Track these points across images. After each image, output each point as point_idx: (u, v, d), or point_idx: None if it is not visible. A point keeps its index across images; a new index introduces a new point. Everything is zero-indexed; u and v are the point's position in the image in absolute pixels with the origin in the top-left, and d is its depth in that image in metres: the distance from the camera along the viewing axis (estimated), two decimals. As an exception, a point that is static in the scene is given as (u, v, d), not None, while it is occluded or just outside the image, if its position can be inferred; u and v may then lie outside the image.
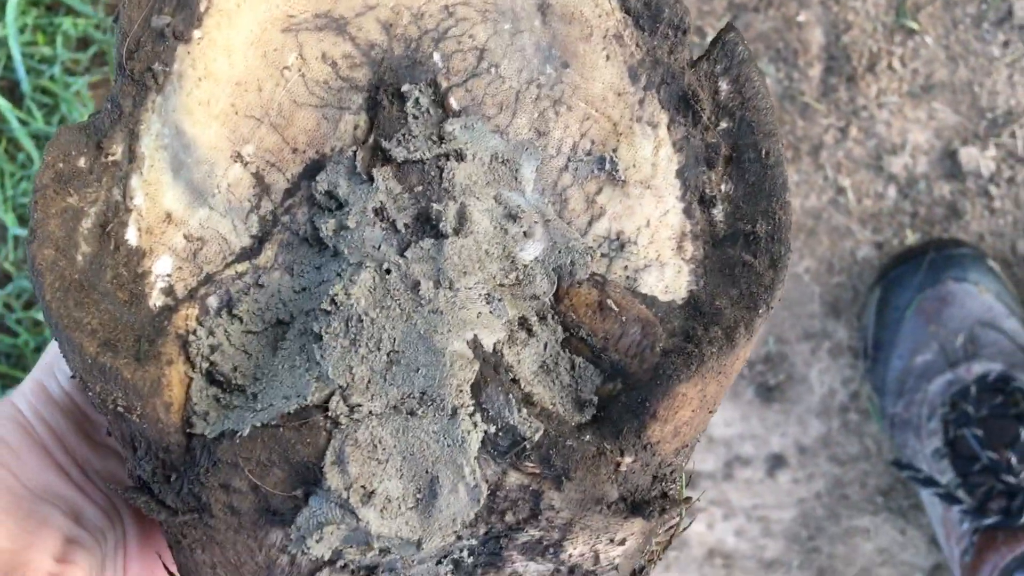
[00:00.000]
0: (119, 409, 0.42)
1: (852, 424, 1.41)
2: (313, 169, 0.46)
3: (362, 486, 0.42)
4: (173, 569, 0.47)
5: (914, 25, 1.30)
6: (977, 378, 1.26)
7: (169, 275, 0.45)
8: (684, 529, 0.48)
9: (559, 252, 0.45)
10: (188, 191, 0.45)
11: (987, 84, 1.30)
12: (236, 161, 0.46)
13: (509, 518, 0.43)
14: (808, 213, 1.34)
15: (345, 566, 0.44)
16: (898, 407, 1.32)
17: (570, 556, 0.45)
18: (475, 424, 0.43)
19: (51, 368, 0.53)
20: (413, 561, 0.44)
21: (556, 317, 0.45)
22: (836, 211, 1.35)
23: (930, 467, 1.29)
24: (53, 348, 0.53)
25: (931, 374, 1.29)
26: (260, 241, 0.46)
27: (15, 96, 1.36)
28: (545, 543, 0.44)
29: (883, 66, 1.32)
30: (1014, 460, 1.22)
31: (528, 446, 0.43)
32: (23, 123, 1.35)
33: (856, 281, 1.37)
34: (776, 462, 1.44)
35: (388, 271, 0.43)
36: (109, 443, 0.53)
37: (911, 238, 1.33)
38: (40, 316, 1.37)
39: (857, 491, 1.43)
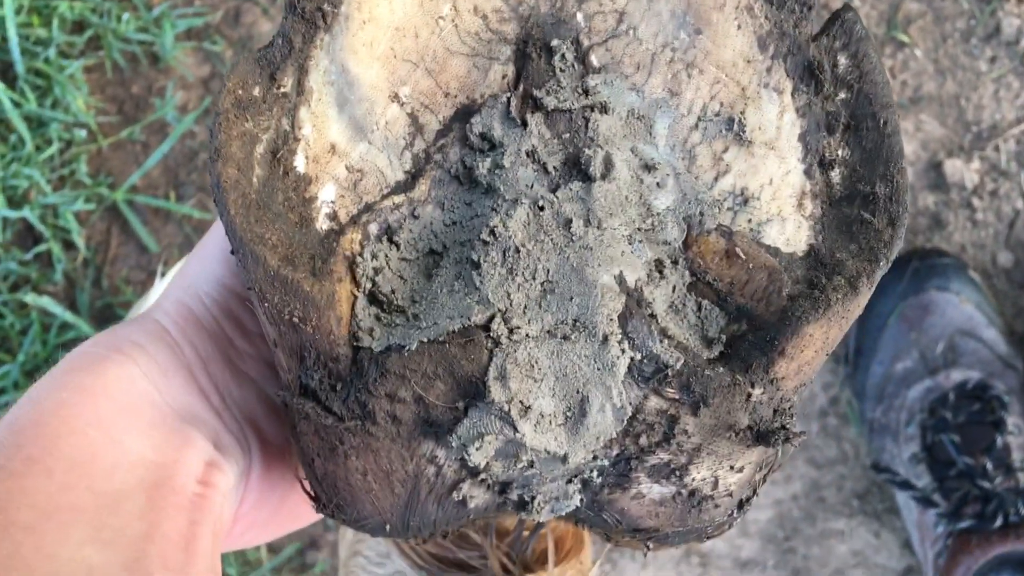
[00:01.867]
0: (295, 320, 0.45)
1: (831, 428, 1.44)
2: (464, 113, 0.49)
3: (520, 401, 0.45)
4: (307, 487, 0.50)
5: (905, 38, 1.35)
6: (956, 385, 1.29)
7: (333, 202, 0.48)
8: (777, 469, 0.51)
9: (689, 203, 0.48)
10: (350, 126, 0.48)
11: (973, 98, 1.35)
12: (394, 101, 0.48)
13: (643, 441, 0.47)
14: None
15: (483, 480, 0.48)
16: (877, 412, 1.35)
17: (693, 480, 0.48)
18: (623, 351, 0.46)
19: (195, 290, 0.53)
20: (546, 479, 0.47)
21: (684, 262, 0.48)
22: (825, 219, 1.38)
23: (907, 472, 1.32)
24: (191, 270, 0.54)
25: (911, 380, 1.32)
26: (414, 176, 0.48)
27: (8, 77, 1.36)
28: (672, 466, 0.47)
29: (875, 77, 1.35)
30: (990, 466, 1.25)
31: (670, 373, 0.46)
32: (16, 104, 1.35)
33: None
34: (755, 463, 1.46)
35: (542, 208, 0.46)
36: (249, 372, 0.54)
37: (895, 247, 1.36)
38: (26, 299, 1.36)
39: (834, 494, 1.46)
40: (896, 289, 1.33)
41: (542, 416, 0.45)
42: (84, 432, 0.45)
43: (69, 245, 1.41)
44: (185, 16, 1.38)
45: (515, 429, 0.45)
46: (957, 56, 1.35)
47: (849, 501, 1.46)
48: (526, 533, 0.59)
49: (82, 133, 1.39)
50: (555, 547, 0.60)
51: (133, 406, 0.48)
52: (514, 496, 0.48)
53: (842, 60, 0.49)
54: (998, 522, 1.24)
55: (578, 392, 0.45)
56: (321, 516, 0.58)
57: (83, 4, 1.36)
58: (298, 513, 0.57)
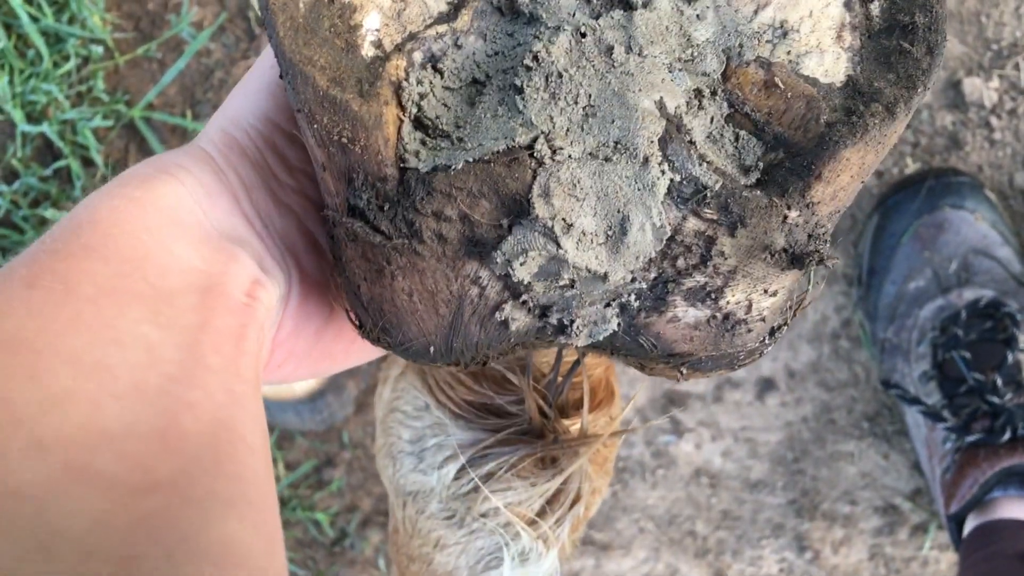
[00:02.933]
0: (343, 140, 0.46)
1: (842, 351, 1.45)
2: None
3: (563, 218, 0.46)
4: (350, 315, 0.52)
5: (924, -44, 1.33)
6: (968, 304, 1.30)
7: (377, 30, 0.48)
8: (809, 303, 0.52)
9: (728, 35, 0.49)
10: None
11: (994, 15, 1.34)
12: None
13: (680, 263, 0.48)
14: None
15: (525, 302, 0.49)
16: (889, 332, 1.36)
17: (727, 303, 0.49)
18: (663, 172, 0.47)
19: (239, 121, 0.54)
20: (585, 301, 0.49)
21: (723, 94, 0.49)
22: (841, 138, 1.38)
23: (917, 390, 1.34)
24: (236, 103, 0.55)
25: (923, 299, 1.33)
26: (456, 7, 0.49)
27: (27, -8, 1.36)
28: (708, 289, 0.49)
29: (893, -4, 1.35)
30: (1000, 382, 1.27)
31: (709, 194, 0.47)
32: (34, 19, 1.35)
33: (854, 209, 1.40)
34: (766, 386, 1.47)
35: (584, 34, 0.47)
36: (291, 205, 0.55)
37: (911, 167, 1.37)
38: (46, 214, 1.37)
39: (844, 416, 1.47)
40: (911, 207, 1.33)
41: (584, 234, 0.46)
42: (137, 235, 0.47)
43: (88, 162, 1.42)
44: (202, -69, 1.38)
45: (558, 245, 0.46)
46: (979, -29, 1.34)
47: (859, 423, 1.48)
48: (560, 379, 0.60)
49: (99, 49, 1.39)
50: (589, 397, 0.62)
51: (182, 220, 0.49)
52: (554, 320, 0.49)
53: None
54: (1006, 436, 1.25)
55: (619, 211, 0.46)
56: (356, 364, 0.60)
57: (100, -82, 1.36)
58: (332, 351, 0.58)
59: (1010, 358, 1.28)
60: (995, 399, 1.26)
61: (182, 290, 0.46)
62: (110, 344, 0.43)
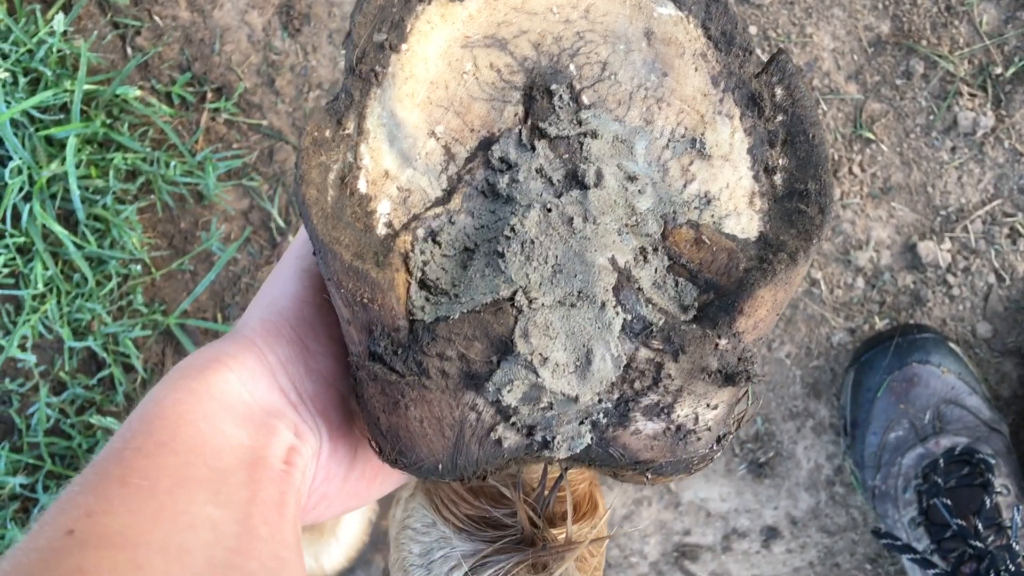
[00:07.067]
0: (364, 300, 0.58)
1: (838, 496, 1.53)
2: (485, 143, 0.63)
3: (540, 353, 0.58)
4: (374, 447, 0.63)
5: (870, 135, 1.48)
6: (945, 451, 1.39)
7: (388, 214, 0.61)
8: (750, 417, 0.63)
9: (664, 204, 0.62)
10: (399, 156, 0.62)
11: (939, 185, 1.48)
12: (431, 136, 0.62)
13: (637, 385, 0.59)
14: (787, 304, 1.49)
15: (514, 424, 0.60)
16: (877, 480, 1.45)
17: (678, 416, 0.60)
18: (617, 313, 0.59)
19: (274, 306, 0.67)
20: (563, 420, 0.60)
21: (663, 250, 0.61)
22: (812, 301, 1.50)
23: (908, 535, 1.42)
24: (270, 290, 0.68)
25: (904, 448, 1.42)
26: (449, 193, 0.62)
27: (71, 223, 1.51)
28: (661, 405, 0.60)
29: (845, 171, 1.49)
30: (980, 526, 1.34)
31: (655, 329, 0.59)
32: (78, 247, 1.49)
33: (833, 364, 1.51)
34: (771, 534, 1.55)
35: (550, 210, 0.60)
36: (320, 369, 0.67)
37: (880, 324, 1.48)
38: (92, 420, 1.48)
39: (847, 559, 1.55)
40: (882, 364, 1.44)
41: (557, 365, 0.58)
42: (196, 424, 0.59)
43: (129, 368, 1.54)
44: (225, 159, 1.53)
45: (537, 375, 0.57)
46: (920, 148, 1.48)
47: (862, 566, 1.55)
48: (547, 492, 0.71)
49: (137, 267, 1.53)
50: (573, 509, 0.72)
51: (230, 404, 0.61)
52: (539, 437, 0.60)
53: (778, 91, 0.63)
54: (991, 578, 1.32)
55: (584, 346, 0.58)
56: (376, 497, 0.71)
57: (135, 155, 1.50)
58: (357, 490, 0.69)
59: (988, 502, 1.35)
60: (978, 543, 1.33)
61: (234, 467, 0.58)
62: (187, 529, 0.54)
